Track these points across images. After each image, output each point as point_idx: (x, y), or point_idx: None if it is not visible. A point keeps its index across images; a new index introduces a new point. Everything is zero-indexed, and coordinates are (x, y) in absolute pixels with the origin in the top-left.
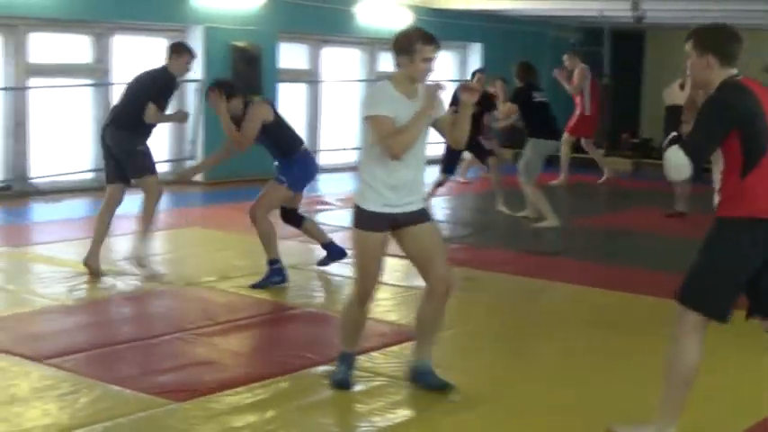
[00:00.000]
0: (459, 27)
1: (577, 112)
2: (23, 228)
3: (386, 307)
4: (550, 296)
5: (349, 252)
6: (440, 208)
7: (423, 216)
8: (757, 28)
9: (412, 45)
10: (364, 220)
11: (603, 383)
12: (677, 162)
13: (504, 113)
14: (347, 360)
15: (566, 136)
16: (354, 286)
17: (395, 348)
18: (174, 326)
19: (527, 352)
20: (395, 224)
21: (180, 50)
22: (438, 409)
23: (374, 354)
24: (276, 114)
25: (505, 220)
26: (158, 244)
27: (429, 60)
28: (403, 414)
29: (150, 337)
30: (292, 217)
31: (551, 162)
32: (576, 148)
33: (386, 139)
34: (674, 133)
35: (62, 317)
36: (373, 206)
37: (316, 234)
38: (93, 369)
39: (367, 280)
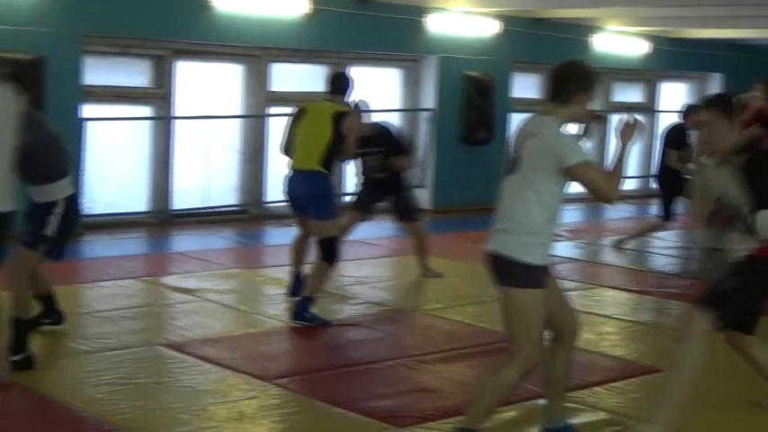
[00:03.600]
0: (699, 56)
1: None
2: (257, 250)
3: (611, 341)
4: None
5: None
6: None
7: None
8: None
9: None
10: (534, 276)
11: None
12: None
13: None
14: None
15: None
16: (519, 356)
17: (618, 384)
18: (398, 352)
19: None
20: None
21: None
22: None
23: (597, 389)
24: None
25: None
26: (385, 270)
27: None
28: None
29: (374, 361)
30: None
31: None
32: None
33: (606, 184)
34: None
35: (289, 338)
36: (540, 260)
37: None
38: (317, 390)
39: (538, 344)
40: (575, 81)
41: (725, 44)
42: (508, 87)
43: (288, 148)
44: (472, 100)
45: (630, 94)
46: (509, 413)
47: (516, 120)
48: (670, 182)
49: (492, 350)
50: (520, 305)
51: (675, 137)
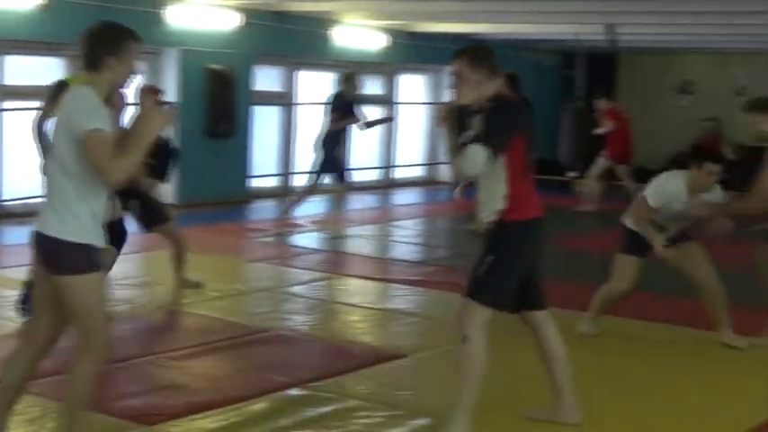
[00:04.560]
0: (435, 50)
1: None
2: None
3: (358, 329)
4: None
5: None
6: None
7: None
8: (733, 51)
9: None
10: (87, 258)
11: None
12: None
13: None
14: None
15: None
16: (92, 346)
17: (367, 371)
18: (146, 349)
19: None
20: None
21: None
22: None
23: (345, 376)
24: None
25: None
26: (131, 267)
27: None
28: None
29: (121, 360)
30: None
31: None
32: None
33: (108, 163)
34: None
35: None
36: (88, 238)
37: None
38: (61, 392)
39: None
40: (102, 44)
41: (460, 38)
42: (250, 80)
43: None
44: (214, 93)
45: (371, 86)
46: (258, 405)
47: (259, 112)
48: (332, 144)
49: (240, 343)
50: (80, 293)
51: (337, 104)
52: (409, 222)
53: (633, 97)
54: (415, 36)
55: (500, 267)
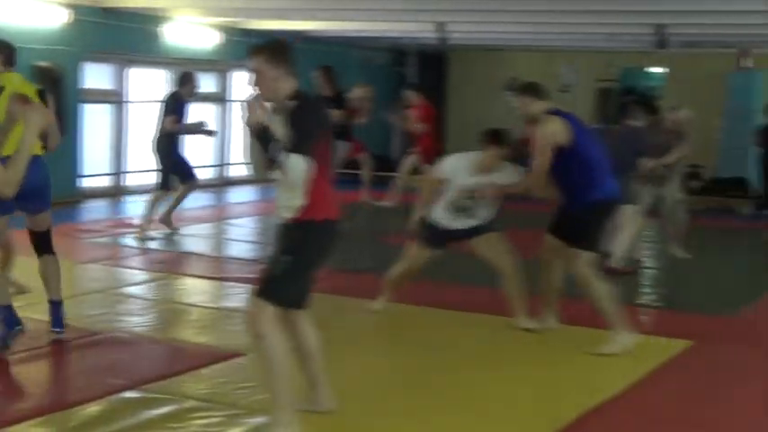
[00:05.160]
0: None
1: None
2: None
3: (195, 329)
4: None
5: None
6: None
7: None
8: (558, 49)
9: None
10: None
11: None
12: None
13: None
14: None
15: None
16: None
17: (204, 371)
18: None
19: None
20: None
21: None
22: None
23: (183, 377)
24: None
25: None
26: None
27: None
28: None
29: None
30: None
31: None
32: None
33: None
34: None
35: None
36: None
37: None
38: None
39: None
40: None
41: (289, 35)
42: (79, 78)
43: None
44: (42, 91)
45: (204, 83)
46: (93, 408)
47: (89, 110)
48: (167, 148)
49: (72, 347)
50: None
51: (172, 105)
52: (244, 221)
53: (464, 94)
54: (248, 34)
55: (296, 267)
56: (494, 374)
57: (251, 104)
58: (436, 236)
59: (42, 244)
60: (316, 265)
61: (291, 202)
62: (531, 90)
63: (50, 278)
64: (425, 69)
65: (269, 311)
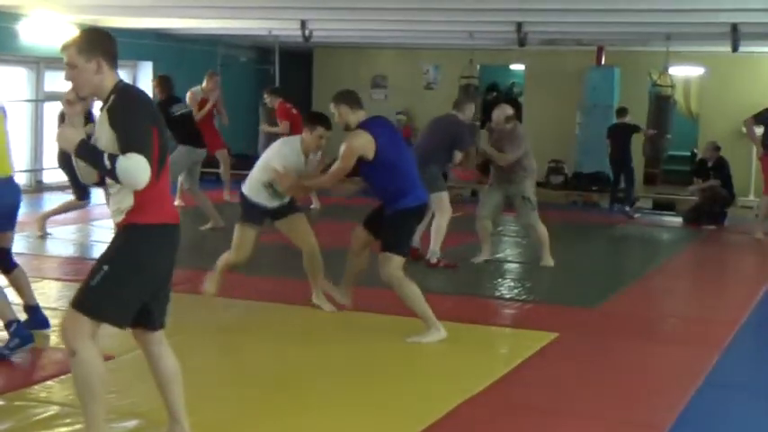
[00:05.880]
0: (130, 46)
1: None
2: None
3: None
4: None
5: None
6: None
7: None
8: (421, 47)
9: None
10: None
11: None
12: None
13: None
14: None
15: None
16: None
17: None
18: None
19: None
20: None
21: None
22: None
23: (50, 383)
24: None
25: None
26: None
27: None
28: None
29: None
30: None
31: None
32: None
33: None
34: None
35: None
36: None
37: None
38: None
39: None
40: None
41: (151, 33)
42: None
43: None
44: None
45: (62, 82)
46: None
47: None
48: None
49: None
50: None
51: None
52: (109, 221)
53: (330, 92)
54: (108, 31)
55: (118, 278)
56: (352, 371)
57: (59, 126)
58: (254, 211)
59: (7, 259)
60: (147, 276)
61: (121, 204)
62: (348, 100)
63: (25, 286)
64: (291, 68)
65: (84, 325)
